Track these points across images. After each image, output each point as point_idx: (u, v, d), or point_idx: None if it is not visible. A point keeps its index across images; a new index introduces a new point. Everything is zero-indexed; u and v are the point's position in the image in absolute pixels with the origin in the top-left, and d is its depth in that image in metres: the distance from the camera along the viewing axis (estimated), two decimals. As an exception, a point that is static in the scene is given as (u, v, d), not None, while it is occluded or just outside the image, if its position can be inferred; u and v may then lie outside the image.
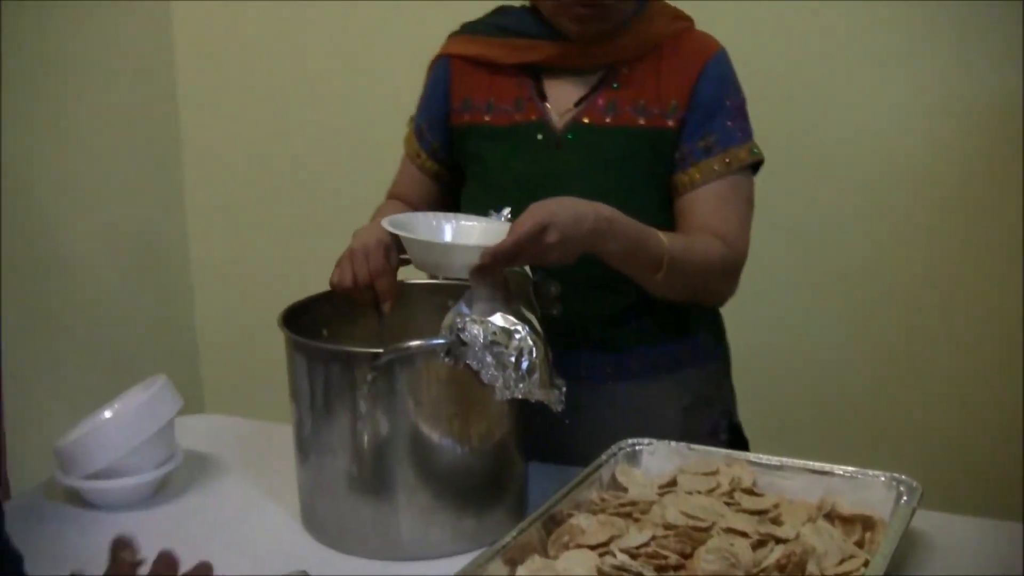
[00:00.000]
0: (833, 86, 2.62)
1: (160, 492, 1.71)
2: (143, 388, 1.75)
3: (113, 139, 2.97)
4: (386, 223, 1.58)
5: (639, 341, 1.76)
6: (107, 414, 1.72)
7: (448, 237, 1.60)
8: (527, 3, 1.82)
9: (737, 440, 1.87)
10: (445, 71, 1.84)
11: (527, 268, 1.52)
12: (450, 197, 1.87)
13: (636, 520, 1.38)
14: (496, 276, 1.45)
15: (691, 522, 1.35)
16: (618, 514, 1.40)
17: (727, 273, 1.72)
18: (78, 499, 1.67)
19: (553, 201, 1.48)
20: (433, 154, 1.87)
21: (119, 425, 1.67)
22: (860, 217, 2.66)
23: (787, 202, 2.64)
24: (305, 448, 1.54)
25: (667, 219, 1.73)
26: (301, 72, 3.09)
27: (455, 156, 1.86)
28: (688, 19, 1.81)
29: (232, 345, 3.27)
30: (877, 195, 2.63)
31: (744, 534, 1.33)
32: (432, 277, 1.62)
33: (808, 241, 2.71)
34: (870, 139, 2.61)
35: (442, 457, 1.47)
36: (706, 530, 1.34)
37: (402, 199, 1.86)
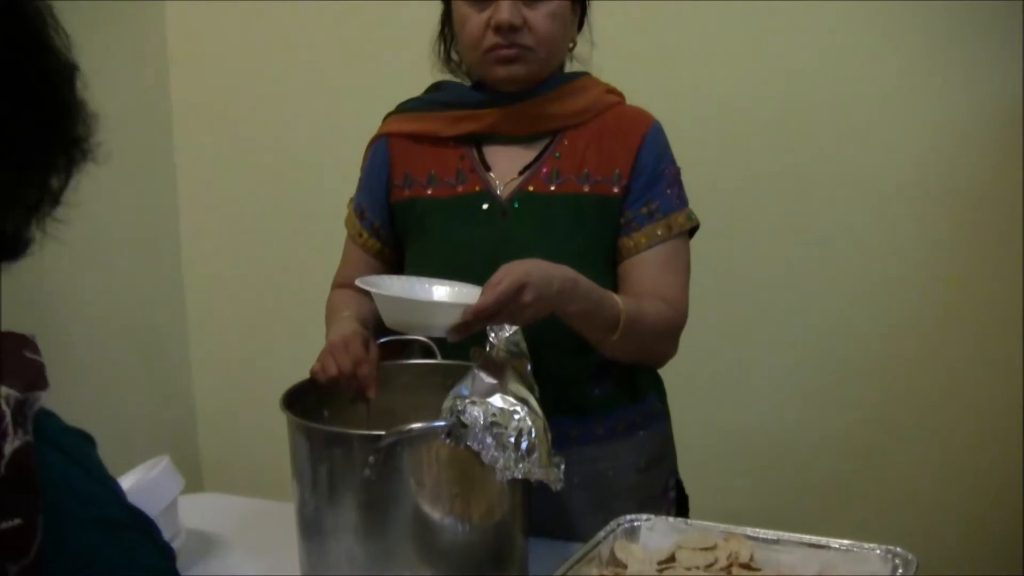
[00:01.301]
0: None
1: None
2: (146, 468, 1.77)
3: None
4: (360, 282, 1.66)
5: (601, 405, 1.81)
6: None
7: (425, 297, 1.65)
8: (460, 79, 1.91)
9: (681, 497, 1.95)
10: (384, 150, 1.89)
11: (526, 347, 1.55)
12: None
13: (637, 596, 1.40)
14: (497, 358, 1.49)
15: (689, 598, 1.37)
16: (618, 590, 1.42)
17: (672, 335, 1.81)
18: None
19: (524, 262, 1.55)
20: (375, 233, 1.91)
21: None
22: (856, 295, 2.71)
23: (784, 268, 2.70)
24: (308, 528, 1.55)
25: (612, 283, 1.79)
26: (296, 136, 3.15)
27: (397, 233, 1.90)
28: (620, 94, 1.90)
29: (231, 423, 3.29)
30: (873, 266, 2.68)
31: (741, 610, 1.35)
32: (400, 334, 1.68)
33: (803, 316, 2.76)
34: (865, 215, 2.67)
35: (445, 537, 1.48)
36: (704, 606, 1.36)
37: (349, 286, 1.86)
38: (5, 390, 0.70)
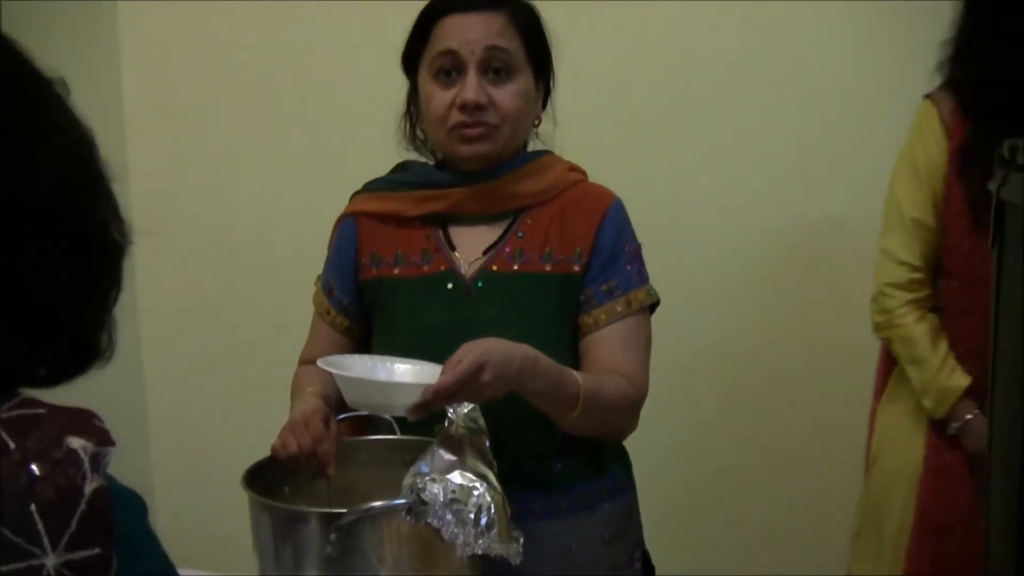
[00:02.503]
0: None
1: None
2: None
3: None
4: (322, 363, 1.67)
5: (564, 479, 1.81)
6: None
7: (386, 377, 1.67)
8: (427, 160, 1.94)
9: (648, 568, 1.96)
10: (352, 228, 1.91)
11: (483, 423, 1.57)
12: (363, 352, 1.91)
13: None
14: (456, 435, 1.51)
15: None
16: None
17: (632, 410, 1.82)
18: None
19: (485, 341, 1.57)
20: (343, 310, 1.93)
21: None
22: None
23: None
24: (270, 606, 1.56)
25: (572, 359, 1.81)
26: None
27: (365, 311, 1.92)
28: (582, 171, 1.93)
29: (189, 495, 3.28)
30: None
31: None
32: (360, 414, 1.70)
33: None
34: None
35: (407, 612, 1.50)
36: None
37: (314, 362, 1.84)
38: (83, 442, 0.86)
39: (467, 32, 1.77)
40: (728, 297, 2.91)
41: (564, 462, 1.82)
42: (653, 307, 1.88)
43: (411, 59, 1.86)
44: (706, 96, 2.81)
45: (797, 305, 2.88)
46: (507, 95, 1.79)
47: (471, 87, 1.76)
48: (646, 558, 1.97)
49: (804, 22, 2.75)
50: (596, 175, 1.95)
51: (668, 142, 2.84)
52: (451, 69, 1.78)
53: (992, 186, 1.22)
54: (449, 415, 1.55)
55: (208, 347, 3.27)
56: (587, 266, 1.83)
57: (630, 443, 1.94)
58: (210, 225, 3.23)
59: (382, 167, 1.96)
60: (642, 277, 1.87)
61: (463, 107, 1.77)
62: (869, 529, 2.34)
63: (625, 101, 2.85)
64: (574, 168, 1.93)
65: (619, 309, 1.82)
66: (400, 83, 1.91)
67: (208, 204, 3.23)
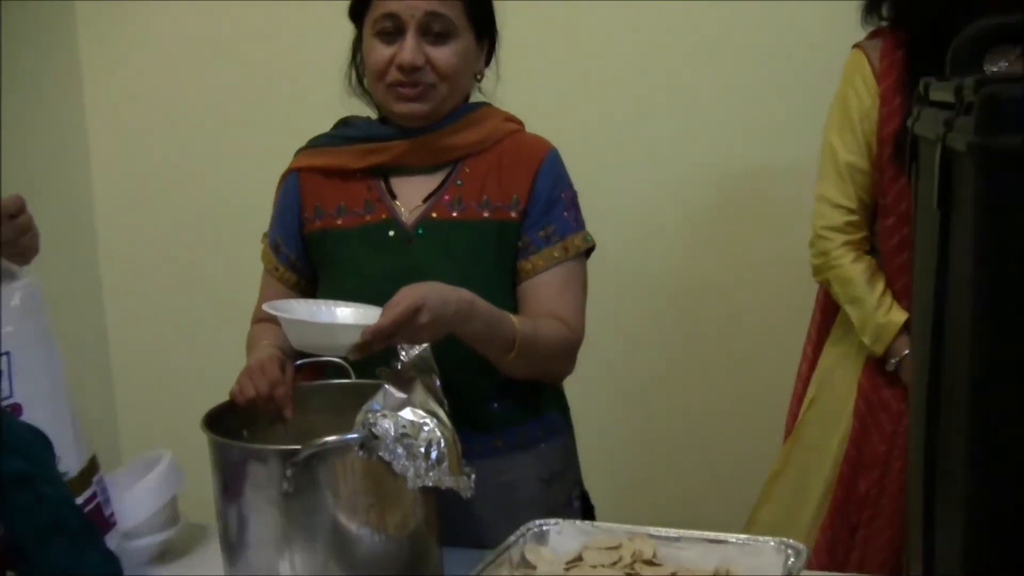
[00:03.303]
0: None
1: (166, 554, 1.89)
2: (146, 464, 1.91)
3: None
4: (268, 307, 1.75)
5: (502, 421, 1.89)
6: (126, 492, 1.85)
7: (328, 319, 1.75)
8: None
9: (587, 508, 2.04)
10: (295, 184, 1.98)
11: (434, 364, 1.63)
12: None
13: (543, 594, 1.49)
14: (407, 375, 1.57)
15: (592, 593, 1.46)
16: (526, 589, 1.50)
17: (568, 353, 1.90)
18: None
19: (422, 285, 1.64)
20: (291, 266, 1.99)
21: (135, 499, 1.84)
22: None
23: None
24: (231, 544, 1.61)
25: (511, 303, 1.88)
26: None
27: (312, 264, 1.98)
28: (519, 121, 2.00)
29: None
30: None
31: (641, 600, 1.43)
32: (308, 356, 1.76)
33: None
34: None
35: (362, 546, 1.55)
36: (606, 599, 1.45)
37: (268, 320, 1.92)
38: None
39: None
40: (673, 247, 2.98)
41: (501, 403, 1.90)
42: (589, 252, 1.95)
43: (358, 11, 1.91)
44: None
45: (743, 252, 2.96)
46: (445, 55, 1.86)
47: (409, 49, 1.84)
48: (585, 498, 2.05)
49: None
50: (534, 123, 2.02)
51: (625, 90, 2.90)
52: (392, 30, 1.85)
53: (909, 121, 1.26)
54: (401, 356, 1.61)
55: (170, 297, 3.31)
56: (524, 212, 1.90)
57: (577, 386, 2.01)
58: (172, 171, 3.27)
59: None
60: (578, 223, 1.94)
61: (401, 68, 1.84)
62: (794, 469, 2.42)
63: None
64: (510, 119, 1.99)
65: (556, 255, 1.90)
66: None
67: (169, 154, 3.27)
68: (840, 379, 2.38)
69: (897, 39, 2.23)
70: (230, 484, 1.58)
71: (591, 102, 2.95)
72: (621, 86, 2.92)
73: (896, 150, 2.17)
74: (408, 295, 1.63)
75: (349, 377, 1.80)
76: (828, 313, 2.44)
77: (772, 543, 1.58)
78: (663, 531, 1.64)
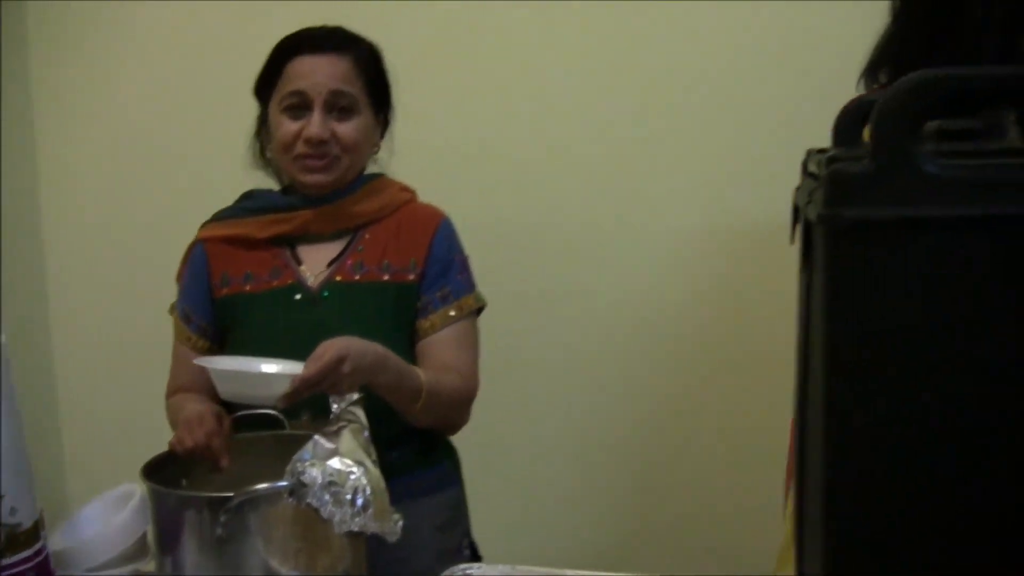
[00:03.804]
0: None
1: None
2: (116, 501, 2.04)
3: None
4: (200, 361, 1.88)
5: (400, 469, 1.95)
6: (91, 530, 2.00)
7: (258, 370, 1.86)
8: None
9: (475, 557, 2.16)
10: (202, 254, 2.09)
11: (363, 416, 1.73)
12: None
13: (463, 633, 1.58)
14: (336, 427, 1.66)
15: (509, 631, 1.55)
16: (449, 629, 1.60)
17: (465, 404, 2.06)
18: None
19: (343, 338, 1.77)
20: (203, 333, 2.10)
21: (114, 531, 1.97)
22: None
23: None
24: (168, 589, 1.69)
25: (411, 359, 2.00)
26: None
27: (221, 330, 2.09)
28: (412, 191, 2.15)
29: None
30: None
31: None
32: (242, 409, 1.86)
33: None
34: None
35: (292, 590, 1.64)
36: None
37: (185, 388, 2.06)
38: None
39: (315, 75, 1.99)
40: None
41: (400, 452, 2.00)
42: (479, 311, 2.10)
43: (264, 88, 2.05)
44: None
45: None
46: (348, 130, 2.01)
47: (316, 124, 1.98)
48: (473, 547, 2.18)
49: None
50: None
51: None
52: (299, 106, 1.99)
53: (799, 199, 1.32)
54: (332, 409, 1.71)
55: (118, 344, 3.36)
56: (422, 275, 2.04)
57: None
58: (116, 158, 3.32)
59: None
60: (471, 284, 2.10)
61: (308, 141, 1.98)
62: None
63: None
64: (405, 188, 2.15)
65: (452, 314, 2.05)
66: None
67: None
68: None
69: None
70: (168, 530, 1.67)
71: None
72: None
73: None
74: (332, 347, 1.75)
75: (283, 427, 1.89)
76: None
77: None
78: (578, 573, 1.74)
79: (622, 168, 2.93)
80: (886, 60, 2.16)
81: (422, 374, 1.95)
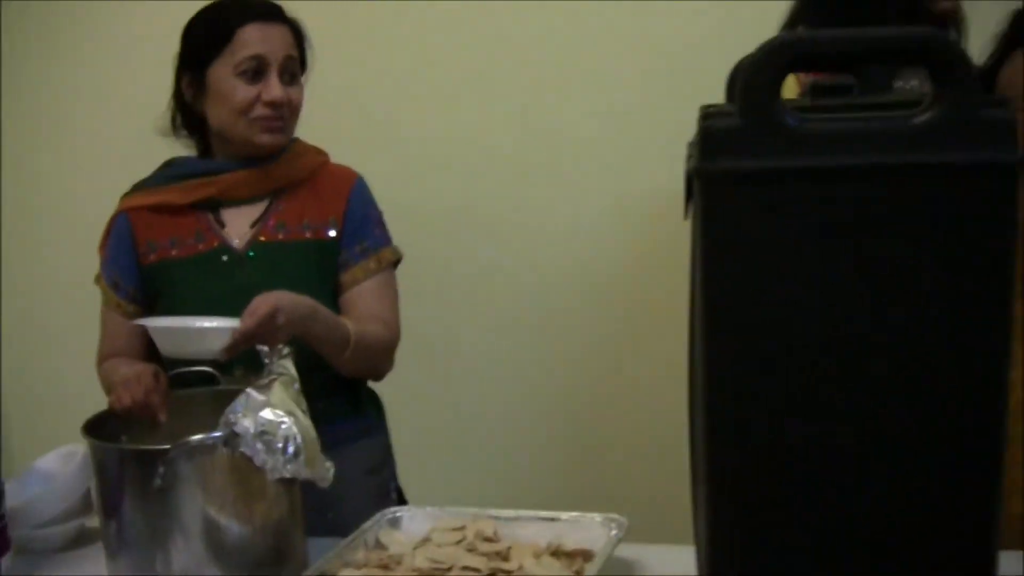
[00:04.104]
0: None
1: (80, 538, 2.05)
2: (62, 458, 2.10)
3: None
4: (141, 321, 1.98)
5: (327, 418, 2.03)
6: (35, 488, 2.05)
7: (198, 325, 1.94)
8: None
9: (401, 500, 2.28)
10: (125, 223, 2.17)
11: (293, 369, 1.81)
12: None
13: (391, 570, 1.67)
14: (268, 379, 1.75)
15: (434, 566, 1.65)
16: (378, 567, 1.69)
17: (390, 351, 2.17)
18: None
19: (275, 292, 1.87)
20: (132, 299, 2.18)
21: (63, 487, 2.03)
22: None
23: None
24: (111, 541, 1.76)
25: (335, 312, 2.09)
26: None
27: (149, 296, 2.17)
28: (326, 154, 2.24)
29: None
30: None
31: (476, 570, 1.63)
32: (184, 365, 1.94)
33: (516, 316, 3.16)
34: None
35: (231, 536, 1.71)
36: (447, 571, 1.64)
37: (116, 354, 2.15)
38: None
39: (271, 41, 2.08)
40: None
41: (327, 402, 2.06)
42: (397, 263, 2.21)
43: (208, 52, 2.09)
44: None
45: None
46: (297, 94, 2.12)
47: (276, 88, 2.07)
48: (400, 491, 2.30)
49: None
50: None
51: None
52: (256, 70, 2.07)
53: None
54: (265, 363, 1.80)
55: (62, 312, 3.43)
56: (341, 232, 2.14)
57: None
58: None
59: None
60: (387, 238, 2.21)
61: (270, 104, 2.06)
62: None
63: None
64: (319, 151, 2.25)
65: (372, 266, 2.15)
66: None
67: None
68: None
69: None
70: (109, 484, 1.75)
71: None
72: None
73: None
74: (266, 300, 1.85)
75: (218, 383, 1.97)
76: None
77: (599, 518, 1.79)
78: (503, 512, 1.84)
79: (541, 153, 3.08)
80: (802, 18, 2.27)
81: (349, 324, 2.05)
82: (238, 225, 2.16)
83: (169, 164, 2.23)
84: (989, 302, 1.09)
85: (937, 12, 2.17)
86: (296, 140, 2.22)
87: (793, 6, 2.30)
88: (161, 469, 1.66)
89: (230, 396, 1.78)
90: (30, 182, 3.45)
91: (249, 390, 1.73)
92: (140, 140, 3.09)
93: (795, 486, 1.12)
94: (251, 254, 2.12)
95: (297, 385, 1.80)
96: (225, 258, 2.13)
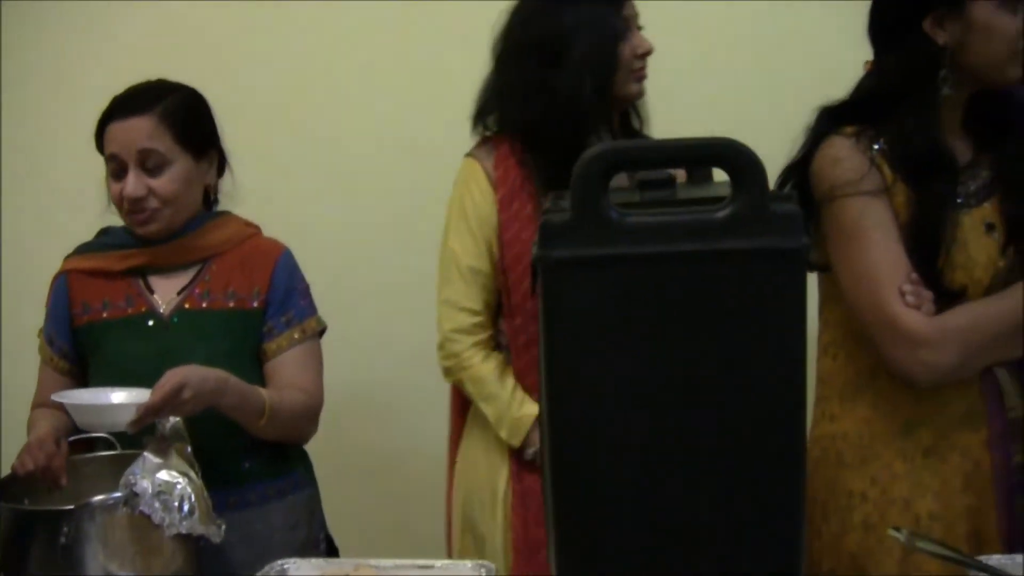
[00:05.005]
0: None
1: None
2: None
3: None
4: (56, 397, 2.09)
5: (253, 476, 2.24)
6: None
7: (107, 401, 2.08)
8: None
9: (331, 548, 2.41)
10: (63, 284, 2.31)
11: (185, 433, 1.97)
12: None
13: (277, 617, 1.83)
14: (163, 443, 1.91)
15: (317, 612, 1.81)
16: (265, 613, 1.85)
17: (311, 417, 2.30)
18: None
19: (183, 368, 2.01)
20: (64, 355, 2.31)
21: None
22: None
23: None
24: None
25: (258, 379, 2.25)
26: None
27: (81, 354, 2.30)
28: (256, 227, 2.39)
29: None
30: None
31: (355, 616, 1.80)
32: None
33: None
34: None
35: (132, 590, 1.87)
36: (329, 617, 1.81)
37: (44, 404, 2.27)
38: None
39: (124, 137, 2.20)
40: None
41: (252, 462, 2.24)
42: (321, 333, 2.34)
43: (101, 153, 2.27)
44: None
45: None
46: (162, 184, 2.22)
47: (130, 184, 2.20)
48: (330, 541, 2.43)
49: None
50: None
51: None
52: (119, 168, 2.21)
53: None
54: (158, 428, 1.95)
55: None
56: (265, 302, 2.28)
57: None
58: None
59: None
60: (312, 309, 2.34)
61: (127, 200, 2.20)
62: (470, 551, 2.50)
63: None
64: (249, 224, 2.38)
65: (296, 336, 2.28)
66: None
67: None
68: (486, 471, 2.45)
69: (510, 147, 2.37)
70: (15, 543, 1.88)
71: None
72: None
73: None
74: (173, 376, 1.98)
75: (116, 448, 2.11)
76: (463, 410, 2.51)
77: (470, 564, 1.96)
78: (383, 562, 1.99)
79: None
80: (492, 108, 2.43)
81: (265, 393, 2.18)
82: (166, 291, 2.29)
83: (104, 232, 2.36)
84: (784, 362, 1.31)
85: (621, 95, 2.36)
86: (223, 213, 2.37)
87: (479, 98, 2.44)
88: (66, 528, 1.80)
89: (126, 460, 1.94)
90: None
91: (145, 453, 1.89)
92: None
93: (623, 504, 1.32)
94: (175, 320, 2.26)
95: (189, 448, 1.96)
96: (151, 323, 2.26)
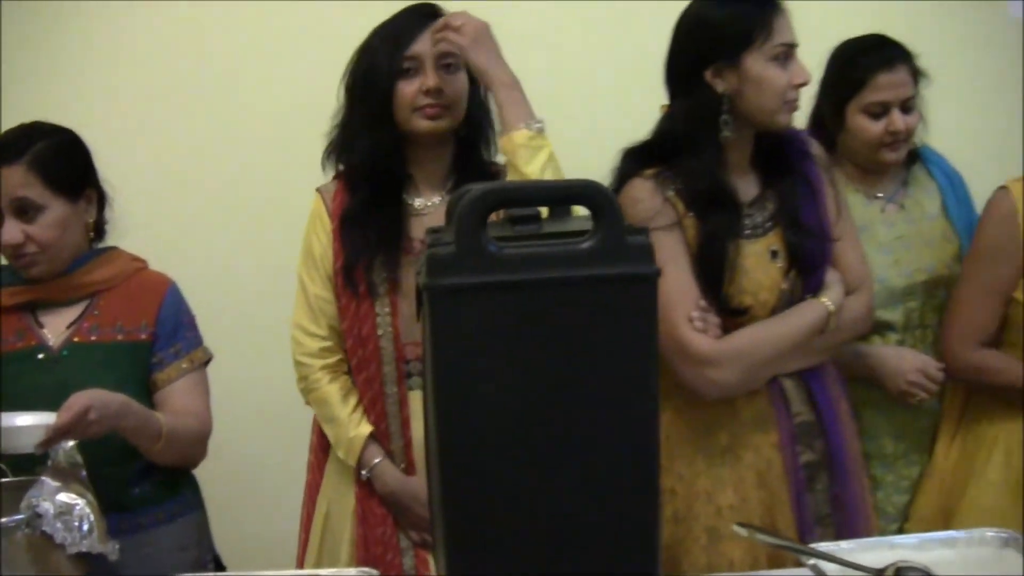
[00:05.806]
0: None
1: None
2: None
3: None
4: None
5: (142, 501, 2.37)
6: None
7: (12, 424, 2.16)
8: None
9: (218, 566, 2.54)
10: None
11: (79, 457, 2.07)
12: None
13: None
14: (60, 468, 2.01)
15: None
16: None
17: (201, 441, 2.44)
18: None
19: (88, 391, 2.13)
20: None
21: None
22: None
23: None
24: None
25: (150, 407, 2.36)
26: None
27: None
28: (143, 261, 2.51)
29: None
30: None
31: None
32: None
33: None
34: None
35: (32, 607, 1.96)
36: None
37: None
38: None
39: (2, 187, 2.30)
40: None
41: (141, 488, 2.37)
42: (208, 362, 2.47)
43: None
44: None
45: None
46: (39, 230, 2.34)
47: (6, 233, 2.32)
48: (217, 561, 2.56)
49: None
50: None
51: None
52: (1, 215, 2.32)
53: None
54: (51, 455, 2.06)
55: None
56: (154, 335, 2.40)
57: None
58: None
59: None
60: (199, 340, 2.48)
61: (7, 248, 2.33)
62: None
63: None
64: (136, 259, 2.51)
65: (185, 366, 2.42)
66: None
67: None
68: (340, 494, 2.56)
69: (344, 180, 2.53)
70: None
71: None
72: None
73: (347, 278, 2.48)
74: (79, 399, 2.10)
75: (7, 476, 2.20)
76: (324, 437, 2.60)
77: (354, 572, 2.10)
78: (269, 574, 2.14)
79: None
80: (337, 146, 2.56)
81: (162, 418, 2.31)
82: (56, 325, 2.40)
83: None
84: (638, 375, 1.50)
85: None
86: (110, 249, 2.48)
87: (333, 131, 2.57)
88: (-32, 551, 1.89)
89: (22, 486, 2.03)
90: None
91: (43, 477, 1.99)
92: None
93: (505, 508, 1.49)
94: (65, 353, 2.37)
95: (84, 472, 2.06)
96: (41, 356, 2.37)
